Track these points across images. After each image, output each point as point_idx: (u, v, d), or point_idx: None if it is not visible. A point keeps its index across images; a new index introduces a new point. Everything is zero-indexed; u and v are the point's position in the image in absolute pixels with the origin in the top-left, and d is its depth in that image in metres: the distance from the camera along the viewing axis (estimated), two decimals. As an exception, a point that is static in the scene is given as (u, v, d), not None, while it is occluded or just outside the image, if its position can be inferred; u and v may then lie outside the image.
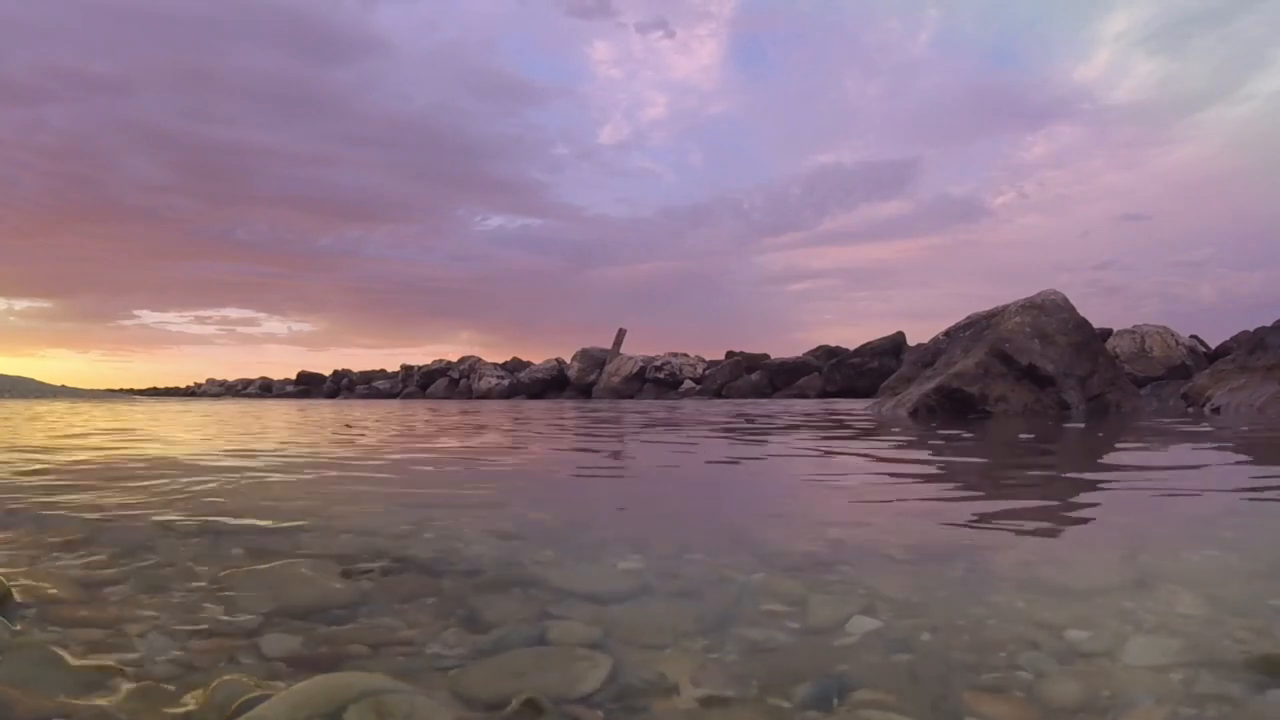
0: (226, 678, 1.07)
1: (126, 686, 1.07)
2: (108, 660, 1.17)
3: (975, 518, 2.37)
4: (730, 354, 35.62)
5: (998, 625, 1.31)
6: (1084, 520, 2.50)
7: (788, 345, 44.89)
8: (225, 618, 1.37)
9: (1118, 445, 5.38)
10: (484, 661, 1.18)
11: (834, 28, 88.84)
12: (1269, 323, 11.61)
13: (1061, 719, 0.98)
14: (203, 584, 1.59)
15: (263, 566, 1.70)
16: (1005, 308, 11.14)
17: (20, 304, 77.60)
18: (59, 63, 65.80)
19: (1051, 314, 10.78)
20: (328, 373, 49.08)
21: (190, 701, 1.02)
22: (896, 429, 7.20)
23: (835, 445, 5.48)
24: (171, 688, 1.07)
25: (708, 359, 36.81)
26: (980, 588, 1.55)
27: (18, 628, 1.31)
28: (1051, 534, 2.17)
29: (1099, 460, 4.52)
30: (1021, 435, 6.25)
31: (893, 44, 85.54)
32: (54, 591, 1.52)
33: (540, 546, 1.93)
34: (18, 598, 1.47)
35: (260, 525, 2.22)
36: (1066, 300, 11.09)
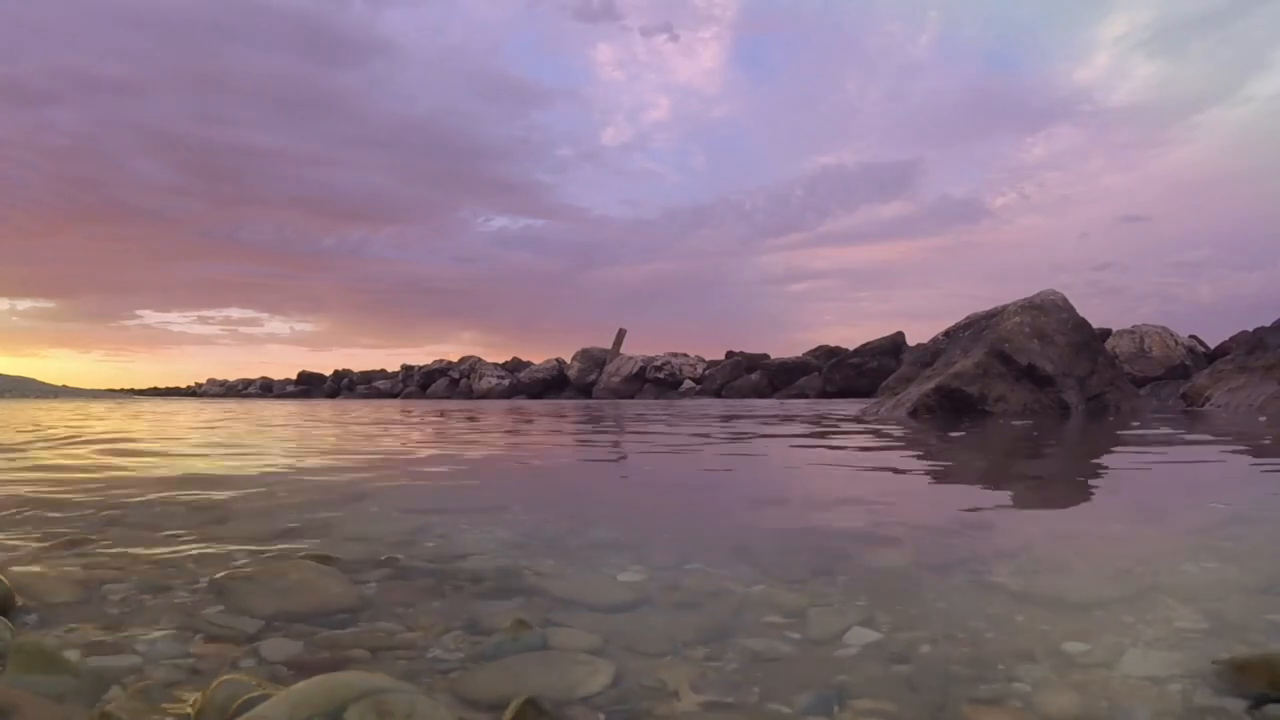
0: (226, 678, 1.07)
1: (129, 690, 1.08)
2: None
3: (973, 526, 2.38)
4: (730, 354, 35.65)
5: (996, 638, 1.32)
6: (1082, 530, 2.50)
7: (788, 345, 44.94)
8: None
9: (1115, 448, 5.38)
10: (485, 665, 1.19)
11: (835, 31, 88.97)
12: (1268, 323, 11.65)
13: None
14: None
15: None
16: (1005, 308, 11.14)
17: (24, 304, 77.69)
18: (67, 65, 65.91)
19: (1051, 314, 10.79)
20: (329, 372, 49.15)
21: (191, 703, 1.02)
22: (895, 429, 7.20)
23: (833, 447, 5.48)
24: (174, 692, 1.07)
25: (708, 359, 36.85)
26: (978, 600, 1.56)
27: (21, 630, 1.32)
28: (1049, 544, 2.17)
29: (1097, 464, 4.53)
30: (1020, 436, 6.25)
31: (894, 47, 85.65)
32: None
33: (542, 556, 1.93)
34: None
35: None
36: (1066, 300, 11.09)
